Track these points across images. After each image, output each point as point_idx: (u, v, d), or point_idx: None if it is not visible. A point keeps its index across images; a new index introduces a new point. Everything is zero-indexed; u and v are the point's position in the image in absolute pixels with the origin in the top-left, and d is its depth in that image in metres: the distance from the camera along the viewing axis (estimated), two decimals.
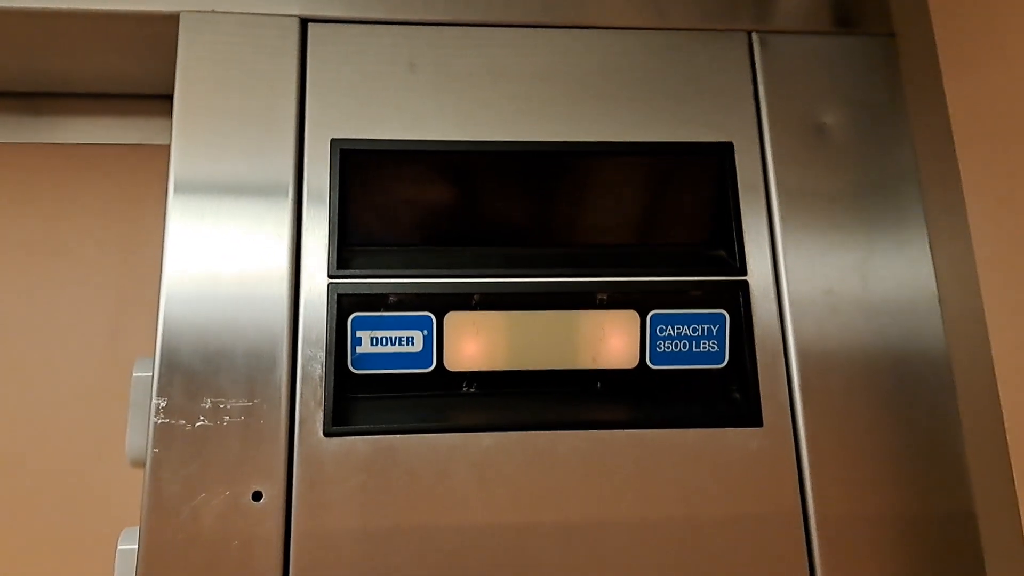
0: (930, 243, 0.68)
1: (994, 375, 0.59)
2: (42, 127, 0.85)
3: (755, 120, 0.71)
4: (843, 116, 0.71)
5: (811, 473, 0.62)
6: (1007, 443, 0.57)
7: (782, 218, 0.68)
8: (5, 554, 0.77)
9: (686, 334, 0.66)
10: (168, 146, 0.65)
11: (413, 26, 0.70)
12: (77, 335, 0.82)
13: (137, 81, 0.81)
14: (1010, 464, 0.57)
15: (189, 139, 0.65)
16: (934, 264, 0.68)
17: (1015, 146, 0.62)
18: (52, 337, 0.82)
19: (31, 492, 0.79)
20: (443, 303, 0.64)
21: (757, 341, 0.65)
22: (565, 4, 0.72)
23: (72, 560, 0.77)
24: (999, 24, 0.63)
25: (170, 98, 0.66)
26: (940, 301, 0.67)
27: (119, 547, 0.60)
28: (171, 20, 0.68)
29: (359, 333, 0.63)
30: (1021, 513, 0.56)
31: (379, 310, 0.63)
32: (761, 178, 0.69)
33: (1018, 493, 0.56)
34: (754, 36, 0.73)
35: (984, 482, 0.61)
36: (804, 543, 0.61)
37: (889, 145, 0.71)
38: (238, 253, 0.63)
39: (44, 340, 0.82)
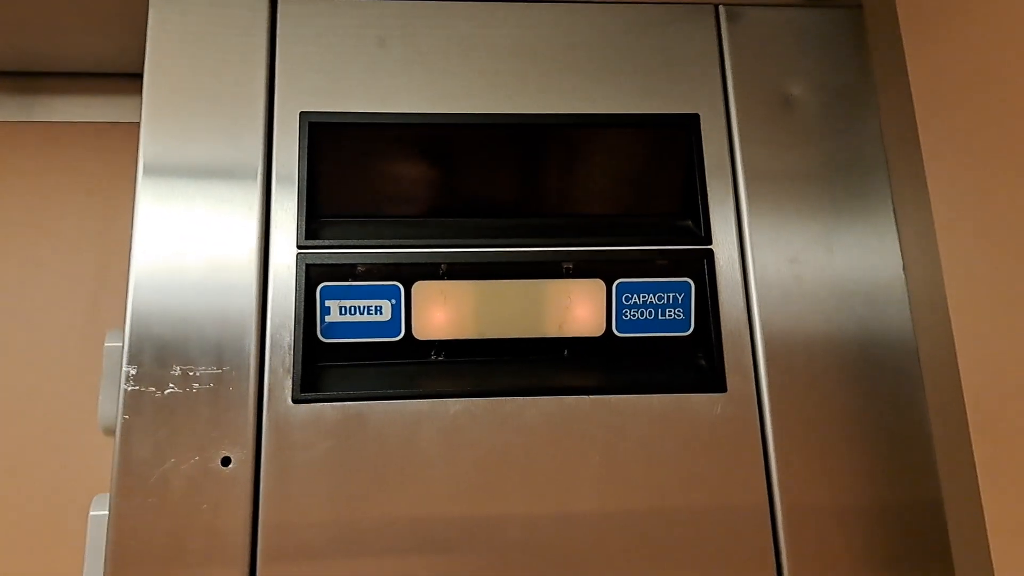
0: (895, 215, 0.69)
1: (955, 352, 0.59)
2: (19, 106, 0.85)
3: (722, 92, 0.71)
4: (810, 88, 0.72)
5: (774, 437, 0.63)
6: (968, 424, 0.57)
7: (748, 189, 0.69)
8: None
9: (652, 302, 0.67)
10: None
11: (382, 1, 0.70)
12: (56, 309, 0.83)
13: (112, 60, 0.82)
14: (971, 447, 0.57)
15: (159, 116, 0.66)
16: (899, 236, 0.68)
17: (976, 117, 0.62)
18: (31, 310, 0.83)
19: (7, 461, 0.80)
20: (411, 273, 0.65)
21: (722, 309, 0.66)
22: None
23: (46, 527, 0.78)
24: None
25: (143, 76, 0.67)
26: (906, 275, 0.68)
27: (91, 513, 0.61)
28: None
29: (328, 303, 0.64)
30: (983, 499, 0.56)
31: (347, 280, 0.64)
32: (727, 150, 0.70)
33: (980, 480, 0.56)
34: (721, 9, 0.73)
35: (949, 468, 0.61)
36: (767, 497, 0.62)
37: (856, 117, 0.72)
38: (208, 226, 0.63)
39: (24, 313, 0.83)
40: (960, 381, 0.58)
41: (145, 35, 0.68)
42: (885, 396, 0.65)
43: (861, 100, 0.72)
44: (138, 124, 0.66)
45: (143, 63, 0.68)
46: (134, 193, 0.63)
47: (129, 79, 0.84)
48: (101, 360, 0.67)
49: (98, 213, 0.85)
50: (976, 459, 0.57)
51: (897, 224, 0.69)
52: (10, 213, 0.84)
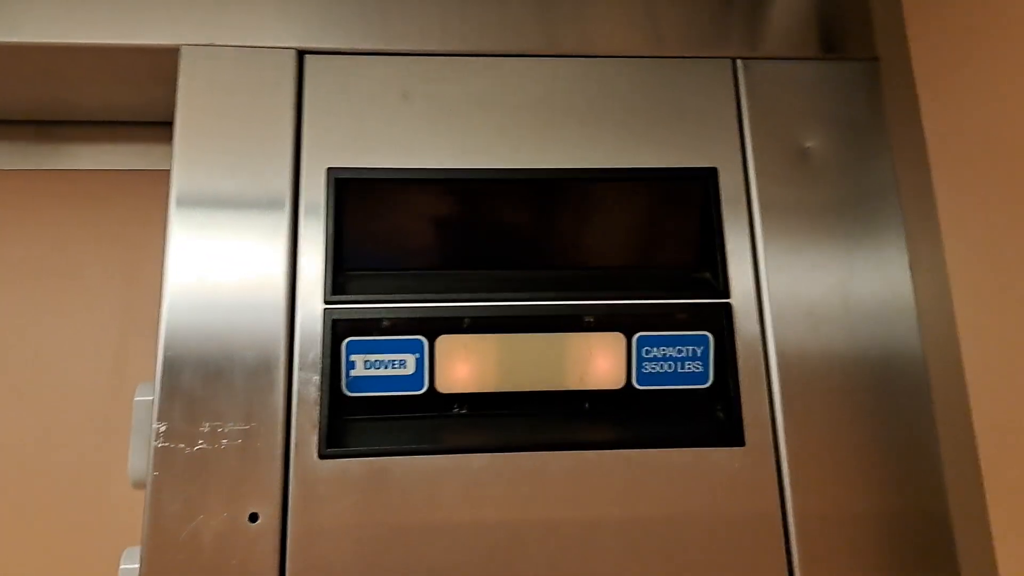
0: (909, 260, 0.70)
1: (965, 385, 0.60)
2: (49, 154, 0.87)
3: (739, 145, 0.72)
4: (826, 140, 0.73)
5: (791, 491, 0.64)
6: (977, 449, 0.59)
7: (765, 241, 0.70)
8: (13, 573, 0.79)
9: (671, 355, 0.68)
10: (168, 171, 0.67)
11: (407, 57, 0.72)
12: (82, 358, 0.84)
13: (140, 110, 0.83)
14: (979, 467, 0.59)
15: (188, 167, 0.67)
16: (912, 280, 0.69)
17: (987, 166, 0.63)
18: (58, 360, 0.84)
19: (37, 513, 0.81)
20: (434, 327, 0.66)
21: (740, 361, 0.67)
22: (571, 35, 0.74)
23: None
24: (974, 49, 0.65)
25: (170, 124, 0.68)
26: (918, 315, 0.69)
27: (121, 566, 0.62)
28: (172, 53, 0.70)
29: (353, 357, 0.65)
30: (988, 509, 0.58)
31: (372, 334, 0.65)
32: (745, 202, 0.71)
33: (986, 494, 0.58)
34: (739, 62, 0.74)
35: (957, 485, 0.63)
36: (784, 554, 0.63)
37: (871, 167, 0.73)
38: (236, 281, 0.65)
39: (50, 363, 0.84)
40: (970, 410, 0.60)
41: (171, 85, 0.70)
42: (898, 433, 0.67)
43: (876, 151, 0.73)
44: (164, 172, 0.67)
45: (169, 112, 0.69)
46: (164, 248, 0.65)
47: (155, 127, 0.86)
48: (128, 410, 0.68)
49: (123, 261, 0.86)
50: (982, 471, 0.59)
51: (911, 267, 0.70)
52: (36, 261, 0.86)
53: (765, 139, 0.73)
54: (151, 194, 0.86)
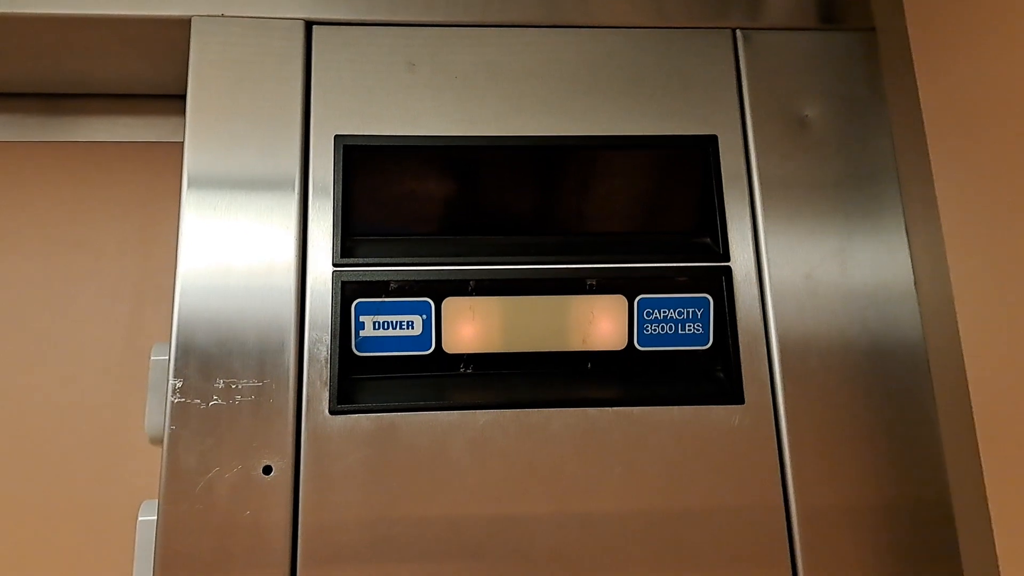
0: (907, 231, 0.71)
1: (963, 357, 0.62)
2: (62, 126, 0.89)
3: (739, 114, 0.74)
4: (825, 109, 0.75)
5: (790, 447, 0.66)
6: (975, 428, 0.60)
7: (764, 207, 0.71)
8: (34, 527, 0.81)
9: (672, 317, 0.69)
10: (182, 144, 0.69)
11: (412, 27, 0.73)
12: (97, 325, 0.86)
13: (152, 82, 0.85)
14: (978, 450, 0.59)
15: (201, 137, 0.69)
16: (910, 251, 0.71)
17: (983, 137, 0.64)
18: (75, 325, 0.86)
19: (58, 471, 0.83)
20: (441, 289, 0.68)
21: (740, 323, 0.69)
22: (573, 6, 0.75)
23: (96, 532, 0.81)
24: (971, 19, 0.66)
25: (183, 98, 0.70)
26: (916, 287, 0.70)
27: (139, 518, 0.64)
28: (183, 24, 0.71)
29: (362, 318, 0.67)
30: (988, 498, 0.58)
31: (381, 296, 0.67)
32: (744, 169, 0.72)
33: (986, 480, 0.59)
34: (738, 33, 0.76)
35: (957, 469, 0.64)
36: (783, 505, 0.65)
37: (869, 136, 0.74)
38: (248, 244, 0.67)
39: (67, 330, 0.86)
40: (968, 386, 0.61)
41: (183, 58, 0.71)
42: (896, 401, 0.68)
43: (873, 118, 0.74)
44: (177, 144, 0.69)
45: (182, 85, 0.71)
46: (179, 213, 0.66)
47: (168, 100, 0.88)
48: (144, 371, 0.70)
49: (138, 231, 0.88)
50: (982, 460, 0.59)
51: (909, 241, 0.71)
52: (52, 231, 0.87)
53: (764, 108, 0.74)
54: (163, 165, 0.88)
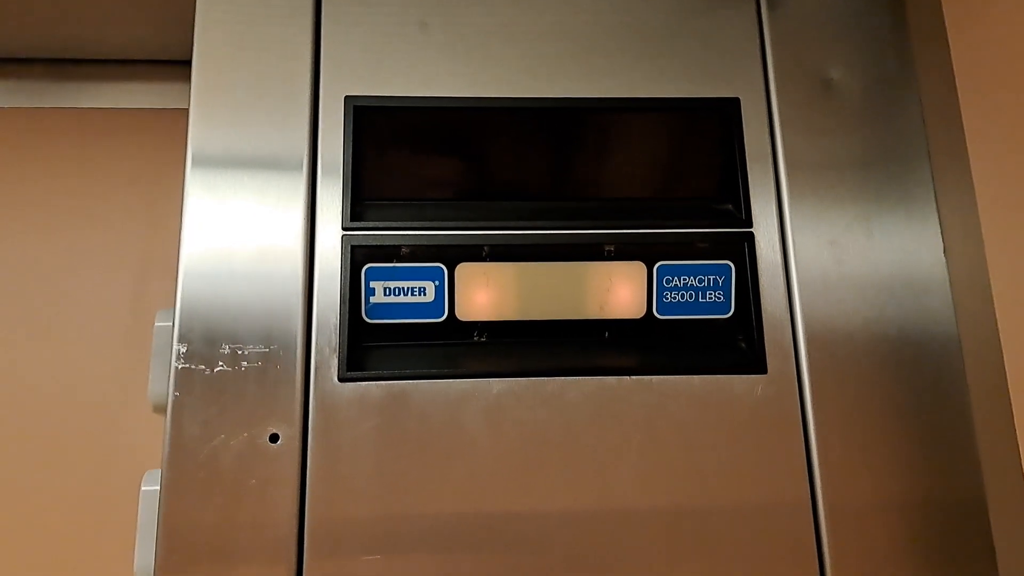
0: (936, 199, 0.69)
1: (999, 339, 0.59)
2: (67, 92, 0.87)
3: (762, 76, 0.71)
4: (851, 73, 0.72)
5: (814, 419, 0.64)
6: (1013, 413, 0.57)
7: (788, 172, 0.69)
8: (39, 495, 0.80)
9: (692, 285, 0.67)
10: (187, 110, 0.67)
11: None
12: (103, 290, 0.85)
13: (158, 47, 0.83)
14: (1017, 441, 0.57)
15: (208, 103, 0.67)
16: (941, 221, 0.68)
17: (1019, 99, 0.62)
18: (79, 292, 0.85)
19: (62, 441, 0.82)
20: (454, 254, 0.66)
21: (762, 291, 0.66)
22: None
23: (100, 501, 0.80)
24: None
25: (190, 64, 0.68)
26: (947, 259, 0.67)
27: (142, 488, 0.63)
28: None
29: (373, 284, 0.65)
30: None
31: (392, 261, 0.65)
32: (768, 133, 0.70)
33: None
34: None
35: (992, 461, 0.61)
36: (807, 475, 0.62)
37: (897, 101, 0.71)
38: (256, 208, 0.65)
39: (72, 296, 0.85)
40: (1005, 371, 0.58)
41: (190, 23, 0.69)
42: (926, 384, 0.65)
43: (901, 84, 0.72)
44: (182, 110, 0.67)
45: (188, 50, 0.69)
46: (183, 179, 0.65)
47: (174, 66, 0.86)
48: (148, 340, 0.68)
49: (143, 197, 0.87)
50: (1022, 454, 0.56)
51: (939, 208, 0.69)
52: (57, 198, 0.86)
53: (788, 71, 0.72)
54: (170, 132, 0.86)
